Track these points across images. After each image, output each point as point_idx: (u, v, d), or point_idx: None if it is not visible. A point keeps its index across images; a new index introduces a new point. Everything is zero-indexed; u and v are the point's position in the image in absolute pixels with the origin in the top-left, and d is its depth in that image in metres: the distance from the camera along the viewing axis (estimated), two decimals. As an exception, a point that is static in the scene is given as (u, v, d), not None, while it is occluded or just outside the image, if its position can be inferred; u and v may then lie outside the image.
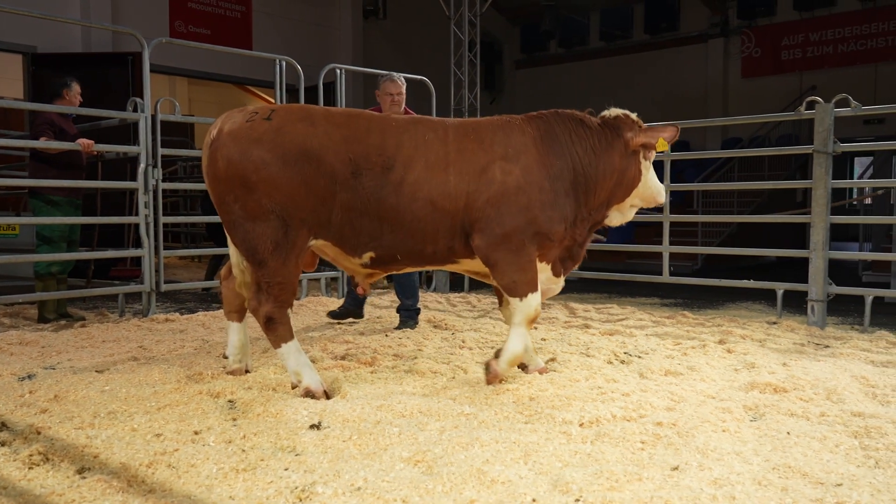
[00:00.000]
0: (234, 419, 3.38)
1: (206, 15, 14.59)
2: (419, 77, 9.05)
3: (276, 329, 3.83)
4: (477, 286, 9.06)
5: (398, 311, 6.12)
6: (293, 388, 3.84)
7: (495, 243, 3.88)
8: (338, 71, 8.11)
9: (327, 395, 3.76)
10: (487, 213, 3.87)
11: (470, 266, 4.16)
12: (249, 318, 4.32)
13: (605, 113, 4.26)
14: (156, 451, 2.84)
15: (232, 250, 4.02)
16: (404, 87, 5.95)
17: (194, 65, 14.44)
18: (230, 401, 3.68)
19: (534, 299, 3.98)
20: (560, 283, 4.36)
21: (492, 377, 3.98)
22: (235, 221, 3.76)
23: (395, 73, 6.05)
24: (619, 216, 4.39)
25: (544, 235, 3.96)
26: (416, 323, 6.07)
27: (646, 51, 18.93)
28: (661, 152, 4.48)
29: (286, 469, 2.73)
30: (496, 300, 7.78)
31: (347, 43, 16.72)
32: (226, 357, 4.38)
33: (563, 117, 4.17)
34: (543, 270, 4.17)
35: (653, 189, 4.32)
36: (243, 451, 2.92)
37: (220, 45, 8.41)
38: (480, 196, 3.87)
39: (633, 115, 4.25)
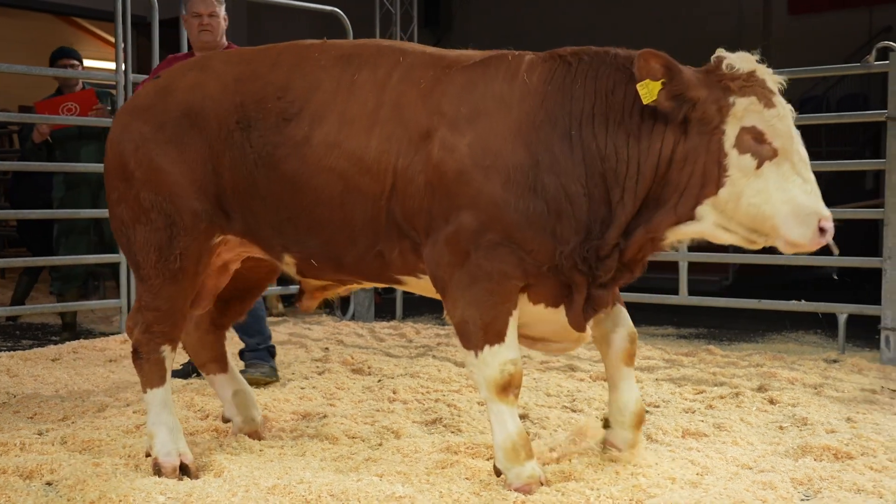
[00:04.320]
0: (56, 510, 3.32)
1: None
2: (328, 8, 9.02)
3: (142, 367, 3.90)
4: (413, 312, 9.06)
5: (241, 355, 5.95)
6: (146, 455, 3.84)
7: (439, 254, 3.58)
8: (209, -2, 8.04)
9: (184, 474, 3.73)
10: (430, 206, 3.59)
11: (426, 291, 3.90)
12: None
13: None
14: (-64, 561, 2.77)
15: None
16: (222, 8, 5.82)
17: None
18: (49, 482, 3.62)
19: (495, 356, 3.55)
20: (571, 333, 3.75)
21: (518, 490, 3.53)
22: (118, 229, 3.92)
23: None
24: (694, 227, 3.57)
25: (518, 247, 3.52)
26: (273, 367, 5.87)
27: (654, -25, 19.24)
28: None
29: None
30: (440, 330, 7.78)
31: (223, -44, 16.61)
32: (227, 421, 4.42)
33: (595, 71, 3.57)
34: (546, 316, 3.73)
35: (764, 211, 3.39)
36: (68, 557, 2.87)
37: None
38: (415, 179, 3.60)
39: (744, 60, 3.46)
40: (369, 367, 6.17)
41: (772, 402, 5.21)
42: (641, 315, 9.33)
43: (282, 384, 5.63)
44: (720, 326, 8.49)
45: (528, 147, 3.51)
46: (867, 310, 6.80)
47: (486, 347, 3.55)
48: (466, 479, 3.69)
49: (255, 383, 5.28)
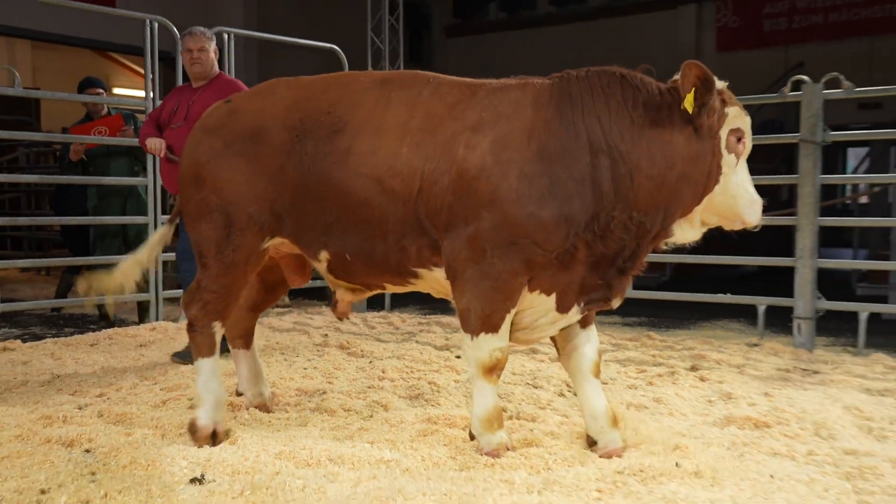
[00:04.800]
0: (93, 473, 3.30)
1: (56, -38, 14.20)
2: (328, 45, 9.01)
3: (195, 338, 3.94)
4: (400, 304, 9.07)
5: None
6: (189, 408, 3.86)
7: (457, 248, 3.50)
8: (226, 36, 8.02)
9: (213, 441, 3.72)
10: (450, 205, 3.50)
11: (436, 283, 3.77)
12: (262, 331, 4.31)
13: (676, 76, 3.52)
14: (-10, 517, 2.76)
15: None
16: (211, 43, 5.88)
17: (40, 25, 14.00)
18: (87, 450, 3.60)
19: (487, 343, 3.53)
20: (555, 320, 3.68)
21: (483, 451, 3.58)
22: (188, 223, 3.99)
23: (198, 28, 6.00)
24: (688, 230, 3.65)
25: (528, 245, 3.42)
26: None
27: (604, 17, 19.30)
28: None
29: (160, 534, 2.69)
30: (422, 319, 7.78)
31: (238, 3, 16.52)
32: (240, 394, 4.47)
33: (591, 75, 3.58)
34: (539, 305, 3.61)
35: (737, 200, 3.57)
36: (105, 513, 2.86)
37: (74, 1, 8.17)
38: (439, 180, 3.51)
39: (720, 83, 3.52)
40: (362, 351, 6.17)
41: (702, 379, 5.25)
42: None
43: (288, 364, 5.62)
44: (659, 316, 8.53)
45: (539, 140, 3.44)
46: (782, 302, 6.85)
47: (482, 334, 3.52)
48: (444, 445, 3.71)
49: None
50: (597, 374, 3.73)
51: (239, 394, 4.46)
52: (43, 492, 3.07)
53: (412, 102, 3.65)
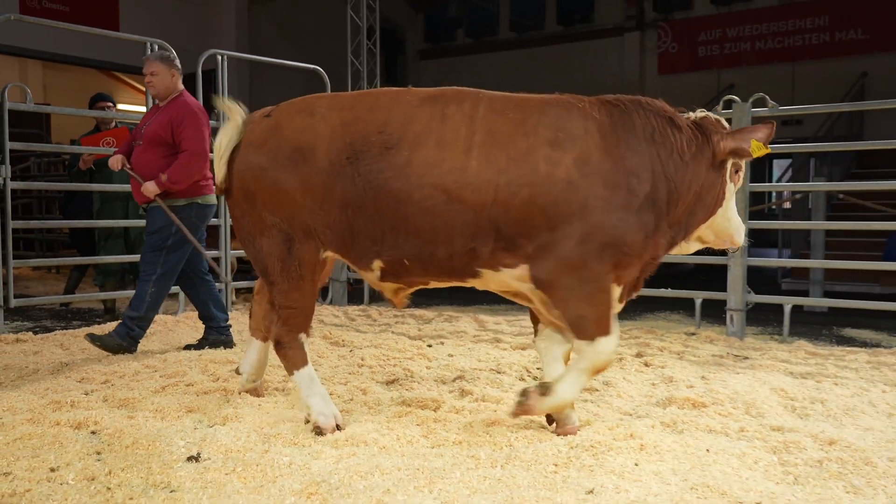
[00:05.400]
0: (99, 452, 3.25)
1: (65, -10, 14.03)
2: (312, 66, 8.97)
3: (286, 354, 3.72)
4: (377, 298, 9.03)
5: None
6: (305, 422, 3.65)
7: (551, 260, 3.41)
8: (219, 57, 7.93)
9: (339, 428, 3.59)
10: (533, 217, 3.41)
11: (498, 282, 3.67)
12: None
13: (691, 114, 3.76)
14: (3, 493, 2.70)
15: None
16: (160, 67, 5.56)
17: (50, 46, 13.83)
18: (93, 432, 3.55)
19: (607, 345, 3.43)
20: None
21: (521, 410, 3.54)
22: (245, 238, 3.75)
23: (155, 52, 5.82)
24: (690, 245, 3.85)
25: (618, 248, 3.42)
26: (123, 343, 5.47)
27: (558, 43, 19.41)
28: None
29: (159, 508, 2.65)
30: (397, 312, 7.75)
31: (231, 27, 16.40)
32: (238, 373, 4.33)
33: (647, 108, 3.62)
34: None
35: (731, 223, 3.79)
36: (108, 489, 2.82)
37: (81, 25, 8.04)
38: (519, 192, 3.40)
39: (720, 119, 3.76)
40: (343, 341, 6.13)
41: (646, 364, 5.28)
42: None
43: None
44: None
45: (613, 159, 3.45)
46: (716, 296, 6.92)
47: (600, 339, 3.42)
48: (417, 425, 3.69)
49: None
50: (566, 361, 3.75)
51: (238, 372, 4.35)
52: (52, 470, 3.02)
53: (469, 117, 3.51)
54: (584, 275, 3.39)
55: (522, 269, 3.50)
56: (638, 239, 3.42)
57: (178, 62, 5.68)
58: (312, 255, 3.62)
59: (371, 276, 3.72)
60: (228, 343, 5.83)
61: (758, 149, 3.61)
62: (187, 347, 5.76)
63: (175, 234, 5.44)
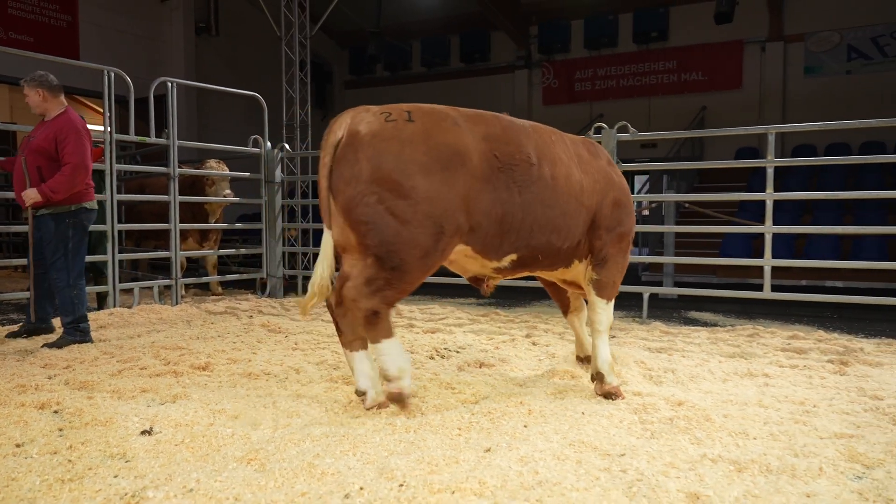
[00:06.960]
0: (61, 429, 3.09)
1: (30, 23, 13.23)
2: (251, 93, 8.78)
3: (378, 324, 3.27)
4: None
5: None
6: (385, 379, 3.33)
7: (616, 241, 3.89)
8: (169, 84, 7.66)
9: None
10: (613, 213, 3.88)
11: (563, 273, 3.97)
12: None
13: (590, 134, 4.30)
14: (-29, 469, 2.54)
15: (325, 265, 3.46)
16: (38, 93, 5.18)
17: (17, 72, 13.02)
18: (56, 411, 3.37)
19: (611, 307, 3.93)
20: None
21: (608, 390, 3.73)
22: (374, 221, 3.17)
23: (28, 77, 5.26)
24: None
25: (632, 232, 4.04)
26: (76, 339, 5.15)
27: (462, 77, 19.51)
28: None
29: (115, 476, 2.54)
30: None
31: (179, 57, 15.83)
32: (361, 394, 3.44)
33: (598, 144, 4.24)
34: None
35: None
36: (70, 461, 2.68)
37: (45, 54, 7.61)
38: (607, 196, 3.87)
39: (594, 141, 4.44)
40: (279, 328, 6.01)
41: (534, 344, 5.36)
42: (456, 291, 9.46)
43: (221, 339, 5.42)
44: (504, 298, 8.67)
45: (619, 179, 4.04)
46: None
47: (610, 302, 3.91)
48: (343, 399, 3.65)
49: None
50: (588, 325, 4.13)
51: (360, 393, 3.45)
52: (18, 445, 2.86)
53: (561, 143, 3.80)
54: (625, 255, 3.97)
55: (586, 261, 3.91)
56: (633, 228, 4.07)
57: (48, 82, 5.23)
58: (453, 248, 3.38)
59: (490, 266, 3.61)
60: (48, 331, 5.55)
61: None
62: (47, 345, 5.11)
63: (73, 236, 5.13)
